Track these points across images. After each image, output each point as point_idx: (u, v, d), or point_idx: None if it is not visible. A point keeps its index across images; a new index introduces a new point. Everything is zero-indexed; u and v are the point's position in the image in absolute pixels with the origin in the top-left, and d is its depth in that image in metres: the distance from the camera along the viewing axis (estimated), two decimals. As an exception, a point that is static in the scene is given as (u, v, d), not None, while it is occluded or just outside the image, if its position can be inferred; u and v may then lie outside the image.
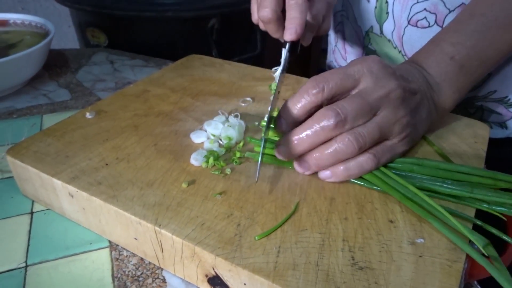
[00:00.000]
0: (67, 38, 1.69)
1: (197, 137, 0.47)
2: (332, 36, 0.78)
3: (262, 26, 0.50)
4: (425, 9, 0.55)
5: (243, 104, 0.55)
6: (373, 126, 0.39)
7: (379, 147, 0.40)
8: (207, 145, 0.46)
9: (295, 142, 0.39)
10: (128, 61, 0.84)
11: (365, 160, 0.39)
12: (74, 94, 0.71)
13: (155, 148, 0.46)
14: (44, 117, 0.63)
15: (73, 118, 0.51)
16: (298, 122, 0.40)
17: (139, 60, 0.84)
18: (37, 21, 0.79)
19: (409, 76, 0.44)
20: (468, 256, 0.33)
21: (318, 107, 0.40)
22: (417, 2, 0.56)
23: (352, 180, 0.41)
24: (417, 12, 0.56)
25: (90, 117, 0.51)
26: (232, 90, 0.58)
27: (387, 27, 0.60)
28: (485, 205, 0.38)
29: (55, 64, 0.83)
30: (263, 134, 0.42)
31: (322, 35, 0.53)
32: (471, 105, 0.61)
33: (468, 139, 0.47)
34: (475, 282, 0.37)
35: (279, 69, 0.48)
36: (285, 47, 0.48)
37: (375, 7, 0.60)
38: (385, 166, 0.41)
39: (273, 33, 0.50)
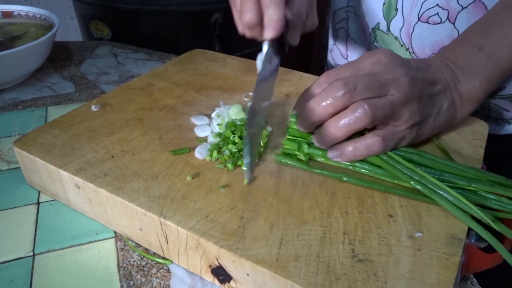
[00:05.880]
0: (69, 30, 1.69)
1: (201, 131, 0.48)
2: (330, 34, 0.78)
3: (248, 34, 0.50)
4: (437, 5, 0.54)
5: (246, 99, 0.56)
6: (386, 101, 0.40)
7: (387, 131, 0.41)
8: (211, 139, 0.46)
9: (309, 111, 0.41)
10: (131, 54, 0.84)
11: (373, 142, 0.40)
12: (78, 87, 0.72)
13: (160, 141, 0.46)
14: (49, 109, 0.64)
15: (78, 110, 0.52)
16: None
17: (142, 53, 0.85)
18: (41, 13, 0.80)
19: (427, 67, 0.44)
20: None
21: None
22: None
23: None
24: (429, 8, 0.56)
25: (95, 109, 0.52)
26: (235, 85, 0.59)
27: (395, 23, 0.60)
28: (481, 199, 0.38)
29: (59, 57, 0.83)
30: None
31: (309, 31, 0.52)
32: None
33: (467, 136, 0.48)
34: (471, 276, 0.38)
35: (258, 75, 0.44)
36: (262, 50, 0.46)
37: (384, 3, 0.60)
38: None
39: (260, 37, 0.50)
